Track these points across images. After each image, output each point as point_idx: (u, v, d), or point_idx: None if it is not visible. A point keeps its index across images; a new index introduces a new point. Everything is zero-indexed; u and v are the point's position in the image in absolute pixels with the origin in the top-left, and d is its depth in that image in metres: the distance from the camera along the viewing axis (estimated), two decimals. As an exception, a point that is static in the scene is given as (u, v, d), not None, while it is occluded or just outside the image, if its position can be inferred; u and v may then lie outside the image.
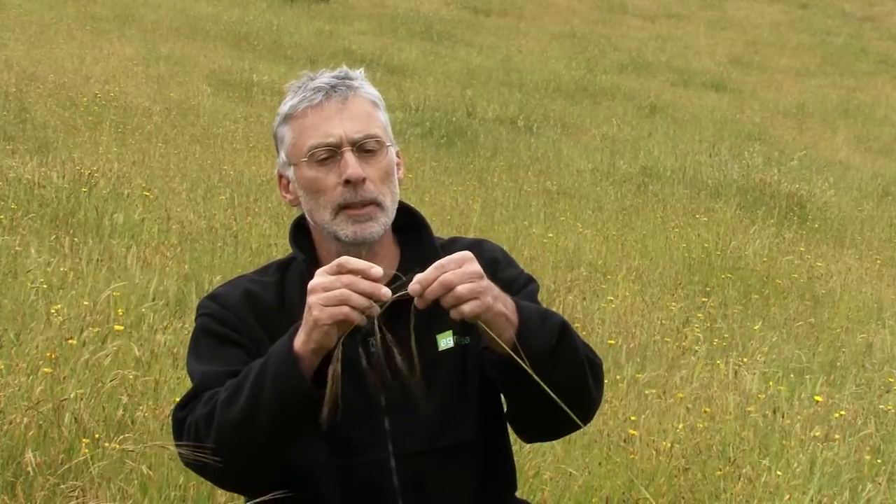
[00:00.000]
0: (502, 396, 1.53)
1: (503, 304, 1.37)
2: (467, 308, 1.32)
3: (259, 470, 1.42)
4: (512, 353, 1.35)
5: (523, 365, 1.34)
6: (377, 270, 1.31)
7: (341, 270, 1.32)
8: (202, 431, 1.40)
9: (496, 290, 1.37)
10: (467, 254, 1.35)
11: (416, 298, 1.33)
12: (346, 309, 1.31)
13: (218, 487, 1.46)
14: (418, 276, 1.32)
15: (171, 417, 1.47)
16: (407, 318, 1.34)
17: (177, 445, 1.44)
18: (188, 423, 1.42)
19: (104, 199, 5.12)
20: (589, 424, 1.55)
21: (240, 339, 1.47)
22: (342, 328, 1.33)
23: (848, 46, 18.81)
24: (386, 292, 1.31)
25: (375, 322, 1.32)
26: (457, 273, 1.32)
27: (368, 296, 1.31)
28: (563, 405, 1.34)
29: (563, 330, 1.42)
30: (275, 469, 1.43)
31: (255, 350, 1.45)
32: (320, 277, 1.33)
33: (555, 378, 1.38)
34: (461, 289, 1.32)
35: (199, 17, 13.85)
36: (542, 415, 1.42)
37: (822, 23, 20.71)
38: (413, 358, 1.36)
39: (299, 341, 1.35)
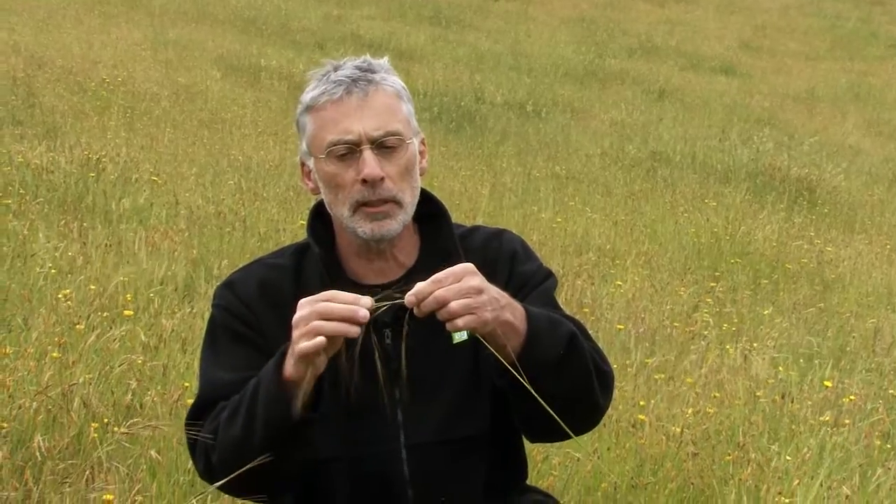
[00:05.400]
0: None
1: (511, 313, 1.37)
2: (461, 323, 1.32)
3: (269, 481, 1.43)
4: (509, 367, 1.35)
5: (521, 379, 1.35)
6: (366, 299, 1.32)
7: (323, 300, 1.33)
8: (209, 447, 1.43)
9: (503, 300, 1.36)
10: (468, 267, 1.34)
11: (414, 308, 1.33)
12: (320, 340, 1.31)
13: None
14: (416, 288, 1.33)
15: (184, 429, 1.49)
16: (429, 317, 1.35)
17: (193, 460, 1.47)
18: (199, 440, 1.44)
19: (112, 184, 5.12)
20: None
21: (253, 336, 1.48)
22: (328, 353, 1.34)
23: (858, 30, 18.65)
24: (364, 315, 1.31)
25: (364, 328, 1.33)
26: (452, 289, 1.31)
27: (346, 320, 1.31)
28: (557, 418, 1.35)
29: (572, 339, 1.42)
30: (287, 479, 1.44)
31: (267, 346, 1.45)
32: (301, 310, 1.34)
33: (560, 387, 1.38)
34: (454, 305, 1.31)
35: (207, 2, 13.80)
36: (547, 421, 1.42)
37: (831, 7, 20.52)
38: (401, 364, 1.38)
39: (289, 368, 1.36)
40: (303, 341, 1.32)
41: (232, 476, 1.38)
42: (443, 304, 1.32)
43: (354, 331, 1.32)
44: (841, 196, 8.17)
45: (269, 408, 1.36)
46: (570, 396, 1.40)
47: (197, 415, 1.46)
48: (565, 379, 1.39)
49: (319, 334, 1.31)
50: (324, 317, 1.31)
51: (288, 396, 1.36)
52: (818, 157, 9.50)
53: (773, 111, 12.34)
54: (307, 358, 1.33)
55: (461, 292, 1.32)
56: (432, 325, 1.35)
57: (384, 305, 1.33)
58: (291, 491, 1.48)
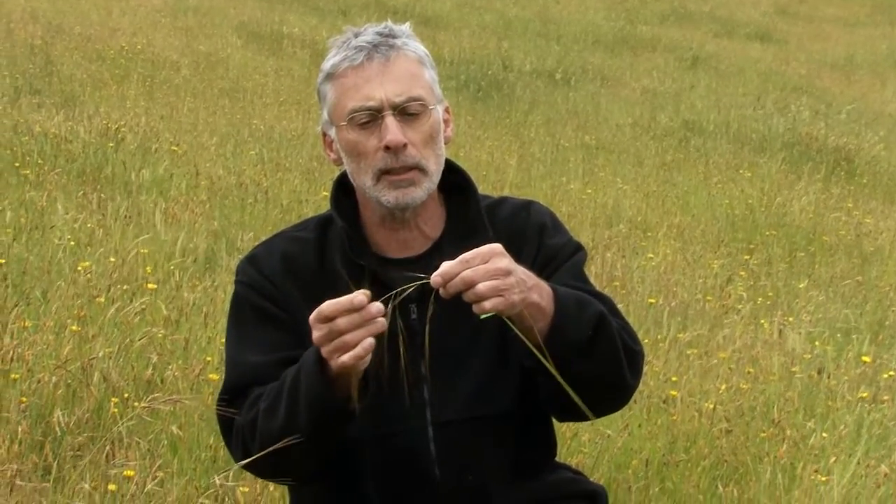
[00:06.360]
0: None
1: (538, 294, 1.35)
2: (488, 305, 1.30)
3: (308, 467, 1.42)
4: (534, 350, 1.34)
5: (545, 362, 1.33)
6: (360, 299, 1.29)
7: (328, 318, 1.30)
8: (247, 437, 1.42)
9: (530, 281, 1.34)
10: (496, 247, 1.31)
11: (440, 288, 1.31)
12: (349, 355, 1.31)
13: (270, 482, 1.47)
14: (442, 268, 1.30)
15: (215, 412, 1.48)
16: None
17: (228, 447, 1.47)
18: (235, 427, 1.43)
19: (132, 155, 5.08)
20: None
21: (278, 314, 1.46)
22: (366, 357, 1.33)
23: (899, -6, 18.16)
24: (378, 308, 1.30)
25: (389, 309, 1.32)
26: (479, 270, 1.29)
27: (366, 323, 1.30)
28: (579, 402, 1.34)
29: (601, 320, 1.39)
30: (323, 462, 1.43)
31: (294, 322, 1.43)
32: (316, 331, 1.32)
33: (588, 367, 1.37)
34: (482, 287, 1.29)
35: (230, -31, 13.70)
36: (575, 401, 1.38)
37: (871, -30, 19.99)
38: (426, 341, 1.36)
39: (332, 369, 1.34)
40: (336, 357, 1.31)
41: (275, 462, 1.37)
42: (470, 285, 1.29)
43: (381, 325, 1.31)
44: (881, 166, 7.98)
45: (314, 401, 1.35)
46: (599, 377, 1.39)
47: (229, 399, 1.44)
48: (593, 360, 1.38)
49: (348, 349, 1.30)
50: (344, 333, 1.30)
51: (332, 390, 1.35)
52: (857, 126, 9.29)
53: (810, 79, 12.08)
54: (350, 366, 1.33)
55: (489, 274, 1.30)
56: (458, 301, 1.32)
57: (409, 287, 1.32)
58: (323, 473, 1.46)
